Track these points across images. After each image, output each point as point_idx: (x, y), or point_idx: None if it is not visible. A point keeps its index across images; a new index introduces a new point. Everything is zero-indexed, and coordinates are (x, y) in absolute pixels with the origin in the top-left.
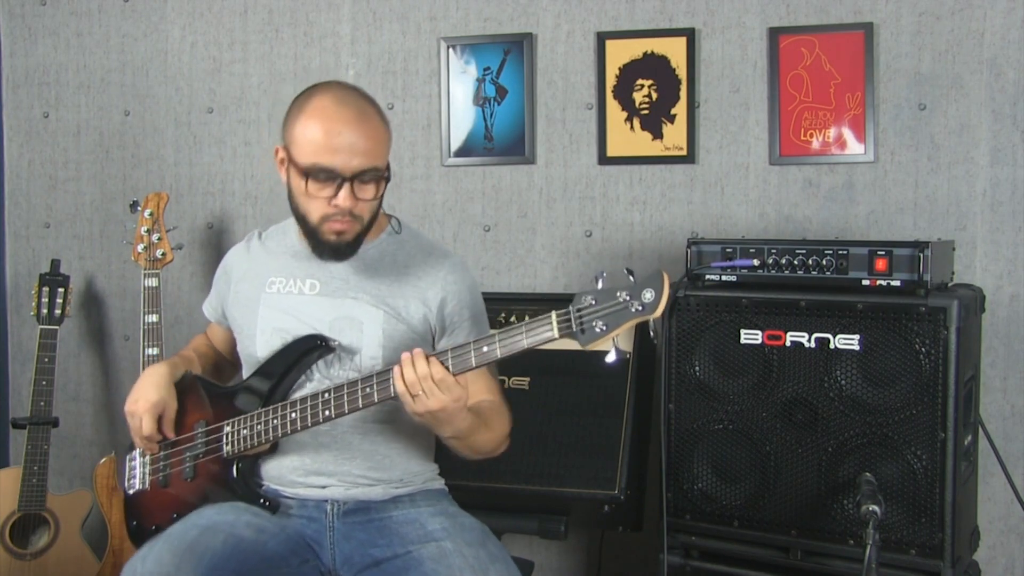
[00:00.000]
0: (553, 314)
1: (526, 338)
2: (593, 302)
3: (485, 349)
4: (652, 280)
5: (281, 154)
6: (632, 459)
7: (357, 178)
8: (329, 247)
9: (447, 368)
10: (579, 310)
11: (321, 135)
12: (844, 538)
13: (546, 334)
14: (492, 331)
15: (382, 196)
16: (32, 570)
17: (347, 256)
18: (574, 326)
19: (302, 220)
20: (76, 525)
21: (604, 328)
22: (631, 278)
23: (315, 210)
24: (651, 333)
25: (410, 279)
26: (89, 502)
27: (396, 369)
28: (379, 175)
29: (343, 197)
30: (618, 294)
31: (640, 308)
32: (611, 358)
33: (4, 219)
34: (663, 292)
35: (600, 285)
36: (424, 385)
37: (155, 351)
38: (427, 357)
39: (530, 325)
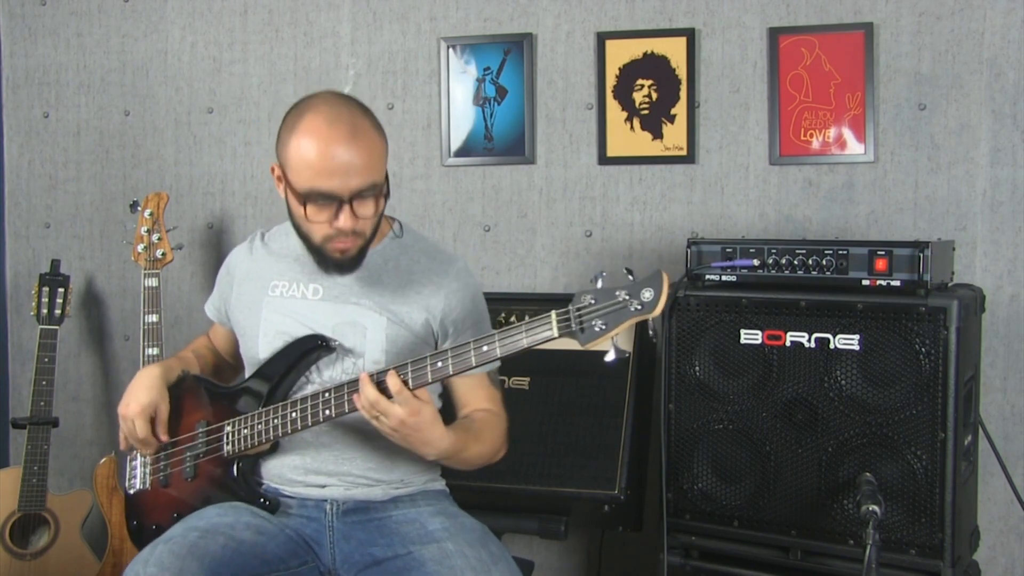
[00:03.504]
0: (553, 313)
1: (526, 337)
2: (593, 301)
3: (485, 348)
4: (651, 280)
5: (277, 171)
6: (632, 459)
7: (356, 197)
8: (334, 263)
9: (405, 382)
10: (579, 309)
11: (316, 158)
12: (844, 538)
13: (546, 333)
14: (492, 331)
15: (383, 209)
16: (32, 570)
17: (352, 270)
18: (573, 325)
19: (305, 239)
20: (76, 525)
21: (604, 327)
22: (630, 277)
23: (317, 232)
24: (650, 332)
25: (413, 285)
26: (89, 502)
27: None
28: (378, 190)
29: (344, 219)
30: (617, 293)
31: (639, 307)
32: (610, 357)
33: (4, 219)
34: (662, 291)
35: (599, 284)
36: (378, 407)
37: (155, 351)
38: (372, 380)
39: (530, 325)
